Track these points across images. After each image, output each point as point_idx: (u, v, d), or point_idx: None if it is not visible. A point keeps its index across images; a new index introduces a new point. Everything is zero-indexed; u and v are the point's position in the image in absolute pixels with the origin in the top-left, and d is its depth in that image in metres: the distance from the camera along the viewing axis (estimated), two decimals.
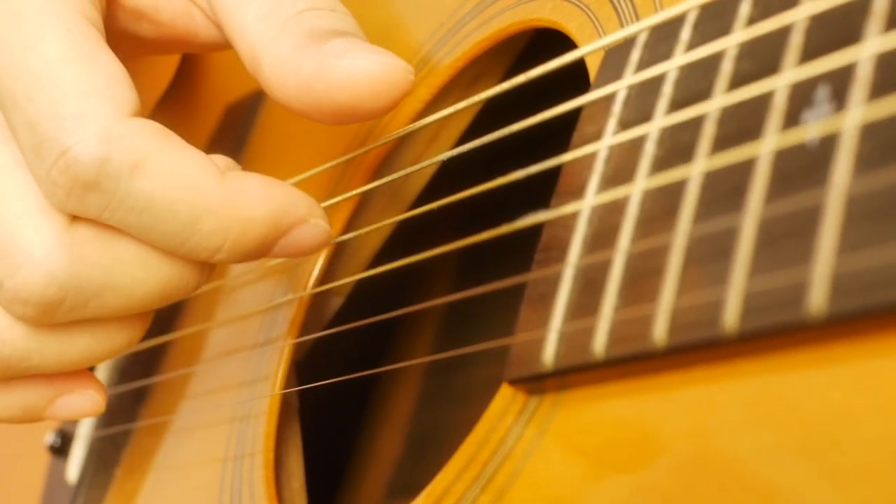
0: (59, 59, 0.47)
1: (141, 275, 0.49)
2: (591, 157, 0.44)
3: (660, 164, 0.41)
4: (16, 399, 0.55)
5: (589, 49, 0.46)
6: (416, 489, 0.49)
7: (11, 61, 0.47)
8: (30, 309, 0.48)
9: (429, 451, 0.72)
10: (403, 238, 0.64)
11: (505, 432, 0.45)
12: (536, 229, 0.46)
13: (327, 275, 0.63)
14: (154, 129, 0.47)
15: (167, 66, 0.76)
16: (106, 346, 0.52)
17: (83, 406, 0.56)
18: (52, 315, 0.49)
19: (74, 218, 0.48)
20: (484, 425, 0.46)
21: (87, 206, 0.47)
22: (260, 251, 0.49)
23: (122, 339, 0.52)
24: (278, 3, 0.50)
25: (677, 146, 0.40)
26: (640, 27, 0.44)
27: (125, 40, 0.56)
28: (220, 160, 0.51)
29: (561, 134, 0.47)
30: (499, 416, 0.45)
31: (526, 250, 0.47)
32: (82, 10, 0.49)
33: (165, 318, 0.71)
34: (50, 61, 0.47)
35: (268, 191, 0.49)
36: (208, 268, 0.52)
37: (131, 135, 0.46)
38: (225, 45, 0.57)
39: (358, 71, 0.48)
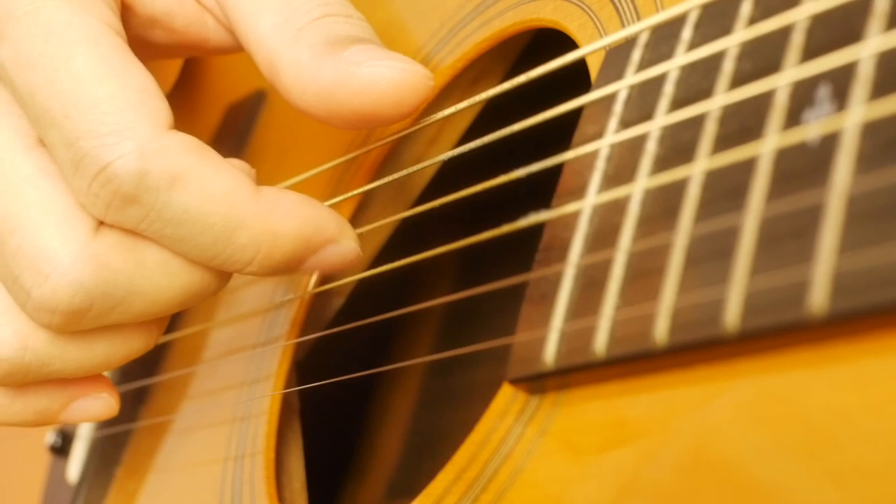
0: (93, 76, 0.47)
1: (165, 280, 0.50)
2: (592, 157, 0.44)
3: (661, 164, 0.41)
4: (30, 404, 0.55)
5: (591, 49, 0.46)
6: (417, 489, 0.49)
7: (46, 80, 0.48)
8: (57, 317, 0.49)
9: (429, 452, 0.72)
10: (404, 238, 0.64)
11: (506, 432, 0.45)
12: (537, 229, 0.46)
13: (328, 275, 0.63)
14: (191, 143, 0.47)
15: (172, 69, 0.76)
16: (124, 350, 0.53)
17: (97, 410, 0.56)
18: (78, 322, 0.49)
19: (99, 225, 0.49)
20: (485, 425, 0.46)
21: (125, 217, 0.48)
22: (290, 267, 0.50)
23: (140, 343, 0.53)
24: (294, 10, 0.50)
25: (678, 145, 0.40)
26: (641, 27, 0.44)
27: (138, 45, 0.56)
28: (240, 164, 0.52)
29: (562, 134, 0.47)
30: (499, 415, 0.45)
31: (527, 250, 0.47)
32: (106, 19, 0.49)
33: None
34: (83, 79, 0.47)
35: (301, 208, 0.49)
36: (228, 272, 0.53)
37: (169, 149, 0.47)
38: (235, 49, 0.57)
39: (379, 78, 0.48)
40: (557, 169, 0.46)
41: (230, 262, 0.49)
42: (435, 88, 0.56)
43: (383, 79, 0.48)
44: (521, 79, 0.48)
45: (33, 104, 0.48)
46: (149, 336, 0.53)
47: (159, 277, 0.49)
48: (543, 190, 0.47)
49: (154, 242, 0.49)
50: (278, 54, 0.50)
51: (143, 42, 0.56)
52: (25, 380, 0.53)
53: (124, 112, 0.47)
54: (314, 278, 0.62)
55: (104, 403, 0.56)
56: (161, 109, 0.48)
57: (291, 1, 0.51)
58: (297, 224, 0.49)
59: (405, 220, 0.60)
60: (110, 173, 0.46)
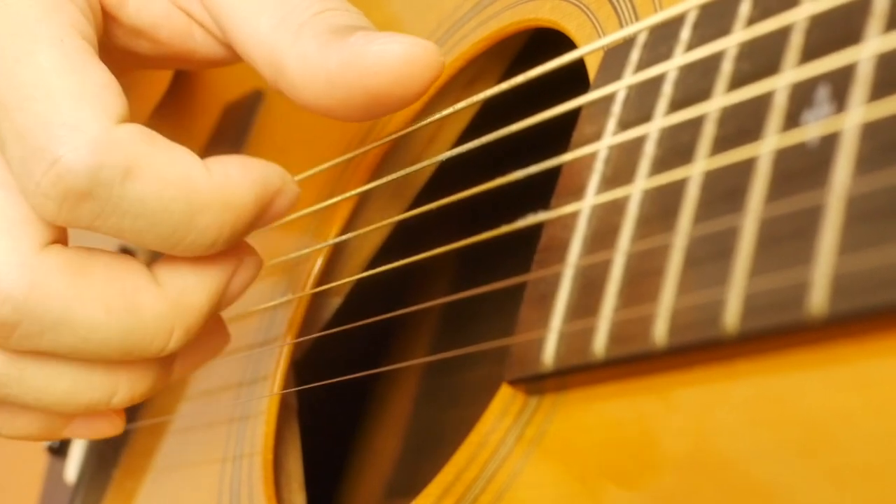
0: (52, 69, 0.46)
1: (102, 317, 0.48)
2: (590, 158, 0.44)
3: (660, 165, 0.41)
4: (33, 418, 0.54)
5: (589, 49, 0.46)
6: (415, 490, 0.49)
7: (5, 71, 0.47)
8: None
9: (428, 452, 0.72)
10: (402, 238, 0.64)
11: (504, 432, 0.45)
12: (536, 230, 0.46)
13: (326, 275, 0.63)
14: (142, 132, 0.46)
15: (162, 78, 0.76)
16: (86, 393, 0.51)
17: (101, 428, 0.55)
18: (5, 337, 0.48)
19: (46, 245, 0.48)
20: (483, 425, 0.46)
21: (79, 215, 0.46)
22: (249, 231, 0.49)
23: (104, 390, 0.51)
24: (292, 7, 0.50)
25: (677, 146, 0.40)
26: (639, 27, 0.44)
27: (123, 56, 0.56)
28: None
29: (560, 134, 0.47)
30: (498, 416, 0.45)
31: (525, 251, 0.47)
32: (75, 24, 0.49)
33: None
34: (41, 71, 0.46)
35: (249, 171, 0.48)
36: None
37: (121, 141, 0.45)
38: (222, 62, 0.57)
39: (390, 54, 0.48)
40: (556, 169, 0.46)
41: (194, 247, 0.48)
42: (432, 87, 0.56)
43: (394, 54, 0.48)
44: (520, 79, 0.48)
45: None
46: (114, 385, 0.51)
47: (96, 313, 0.48)
48: (542, 190, 0.47)
49: (97, 276, 0.48)
50: (282, 50, 0.50)
51: (128, 53, 0.56)
52: None
53: (79, 106, 0.46)
54: (313, 278, 0.62)
55: (109, 421, 0.55)
56: (116, 104, 0.46)
57: (288, 0, 0.51)
58: (250, 188, 0.48)
59: (403, 221, 0.60)
60: (61, 168, 0.45)
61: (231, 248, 0.50)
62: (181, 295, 0.49)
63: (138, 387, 0.52)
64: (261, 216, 0.49)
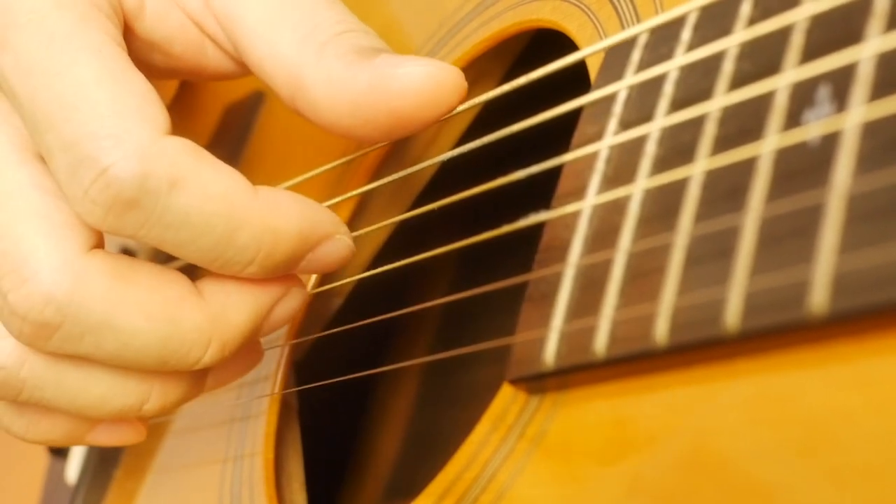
0: (94, 81, 0.47)
1: (142, 324, 0.48)
2: (591, 157, 0.44)
3: (661, 164, 0.41)
4: (58, 421, 0.54)
5: (590, 51, 0.46)
6: (416, 490, 0.49)
7: (46, 84, 0.47)
8: (26, 326, 0.48)
9: (428, 453, 0.72)
10: (403, 240, 0.64)
11: (506, 431, 0.45)
12: (536, 231, 0.46)
13: (327, 275, 0.63)
14: (189, 146, 0.47)
15: (168, 86, 0.76)
16: (119, 399, 0.51)
17: (124, 434, 0.55)
18: (46, 338, 0.48)
19: (94, 247, 0.49)
20: (485, 425, 0.46)
21: (125, 223, 0.47)
22: (289, 265, 0.49)
23: (137, 397, 0.51)
24: (313, 27, 0.50)
25: (678, 146, 0.40)
26: (641, 28, 0.44)
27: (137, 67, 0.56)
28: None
29: (561, 135, 0.47)
30: (500, 415, 0.45)
31: (525, 251, 0.47)
32: (108, 31, 0.49)
33: None
34: (85, 83, 0.47)
35: (298, 206, 0.49)
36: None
37: (168, 152, 0.46)
38: (232, 76, 0.57)
39: (417, 77, 0.48)
40: (557, 169, 0.46)
41: (231, 264, 0.48)
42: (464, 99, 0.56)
43: (421, 77, 0.48)
44: (522, 80, 0.48)
45: (32, 109, 0.48)
46: (147, 392, 0.52)
47: (138, 320, 0.48)
48: (543, 191, 0.47)
49: (141, 282, 0.48)
50: (304, 69, 0.50)
51: (141, 64, 0.56)
52: (17, 398, 0.52)
53: (124, 116, 0.46)
54: (313, 279, 0.63)
55: (132, 428, 0.55)
56: (160, 115, 0.47)
57: (309, 19, 0.51)
58: (296, 221, 0.49)
59: (404, 221, 0.60)
60: (110, 176, 0.46)
61: (279, 278, 0.50)
62: (223, 310, 0.50)
63: (170, 397, 0.52)
64: (302, 254, 0.49)
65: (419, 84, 0.48)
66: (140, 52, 0.55)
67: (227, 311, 0.50)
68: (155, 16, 0.54)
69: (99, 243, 0.49)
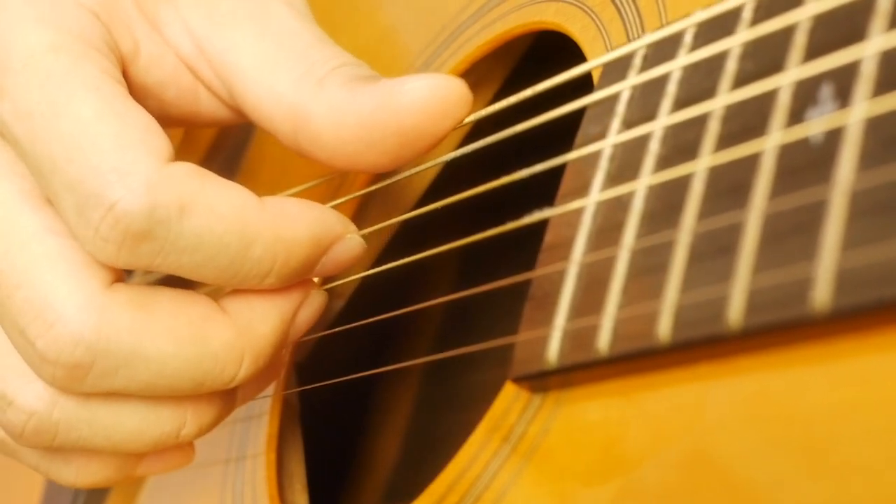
0: (94, 117, 0.47)
1: (171, 349, 0.48)
2: (595, 156, 0.44)
3: (664, 163, 0.41)
4: (106, 461, 0.54)
5: (595, 63, 0.46)
6: (417, 491, 0.49)
7: (46, 125, 0.47)
8: (59, 370, 0.48)
9: (429, 454, 0.72)
10: (406, 240, 0.64)
11: (509, 430, 0.45)
12: (538, 230, 0.46)
13: (329, 277, 0.63)
14: (192, 170, 0.47)
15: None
16: (155, 429, 0.51)
17: (173, 460, 0.55)
18: (81, 379, 0.48)
19: (112, 284, 0.48)
20: (488, 423, 0.46)
21: (139, 256, 0.47)
22: (305, 271, 0.50)
23: (172, 425, 0.51)
24: (310, 65, 0.50)
25: (682, 144, 0.40)
26: (642, 43, 0.45)
27: None
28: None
29: (564, 135, 0.47)
30: (502, 414, 0.45)
31: (527, 251, 0.47)
32: (106, 69, 0.49)
33: None
34: (85, 120, 0.47)
35: (306, 211, 0.49)
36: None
37: (173, 180, 0.46)
38: (226, 122, 0.57)
39: (424, 91, 0.48)
40: (560, 169, 0.46)
41: (249, 278, 0.48)
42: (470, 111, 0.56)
43: (428, 90, 0.48)
44: (528, 93, 0.48)
45: (35, 153, 0.47)
46: (182, 418, 0.51)
47: (166, 343, 0.48)
48: (546, 191, 0.47)
49: (164, 309, 0.48)
50: (305, 103, 0.50)
51: None
52: (53, 443, 0.51)
53: (126, 149, 0.46)
54: (315, 280, 0.63)
55: (182, 452, 0.55)
56: (162, 144, 0.47)
57: (304, 58, 0.51)
58: (306, 227, 0.49)
59: (406, 222, 0.60)
60: (119, 212, 0.45)
61: (297, 284, 0.51)
62: (249, 324, 0.50)
63: (206, 419, 0.52)
64: (317, 258, 0.50)
65: (426, 98, 0.48)
66: (134, 97, 0.55)
67: (254, 323, 0.50)
68: (150, 60, 0.54)
69: (119, 277, 0.49)
